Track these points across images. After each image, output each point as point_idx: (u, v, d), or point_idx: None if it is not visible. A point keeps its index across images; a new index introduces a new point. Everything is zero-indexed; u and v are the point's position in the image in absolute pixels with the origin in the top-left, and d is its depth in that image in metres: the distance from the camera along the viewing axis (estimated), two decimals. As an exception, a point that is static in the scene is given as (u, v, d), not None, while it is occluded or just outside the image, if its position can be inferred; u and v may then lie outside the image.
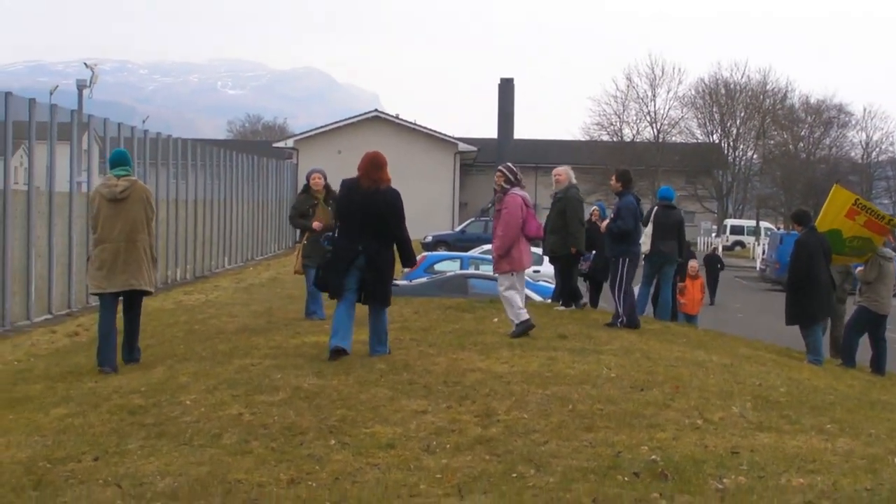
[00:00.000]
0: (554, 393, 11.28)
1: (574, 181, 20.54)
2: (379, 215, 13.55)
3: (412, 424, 9.90)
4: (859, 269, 20.26)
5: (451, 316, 18.28)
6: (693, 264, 26.59)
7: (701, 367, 13.92)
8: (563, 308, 20.36)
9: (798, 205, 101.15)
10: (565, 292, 20.93)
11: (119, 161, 14.36)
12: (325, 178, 18.59)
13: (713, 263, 45.29)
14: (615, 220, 18.44)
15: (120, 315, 14.42)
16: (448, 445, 9.17)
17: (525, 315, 15.73)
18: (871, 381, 17.72)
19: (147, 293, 14.52)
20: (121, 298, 14.31)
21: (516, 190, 16.02)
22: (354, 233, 13.60)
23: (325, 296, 16.50)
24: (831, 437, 10.03)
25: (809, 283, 18.45)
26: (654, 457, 8.78)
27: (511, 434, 9.57)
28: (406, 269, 21.10)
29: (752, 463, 8.70)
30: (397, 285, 20.36)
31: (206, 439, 9.51)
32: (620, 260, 18.30)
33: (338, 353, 13.40)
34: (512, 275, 15.95)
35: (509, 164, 16.73)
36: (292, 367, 12.69)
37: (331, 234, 14.62)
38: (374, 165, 13.78)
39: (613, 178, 19.30)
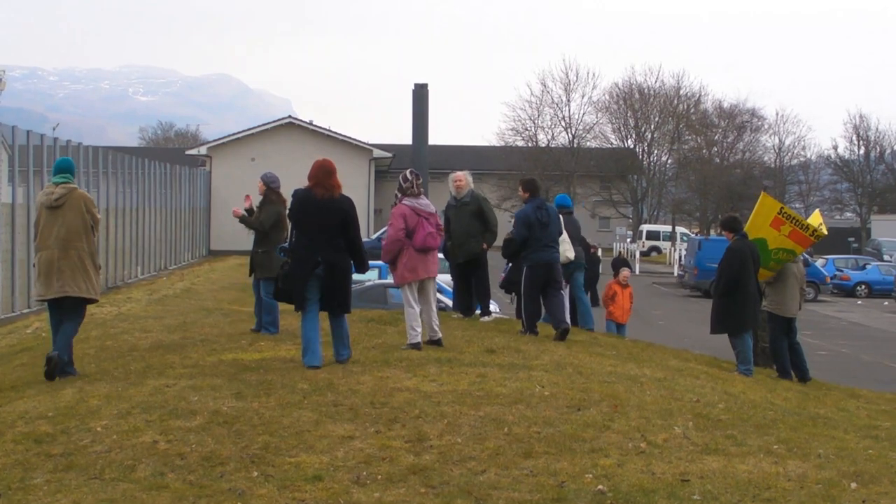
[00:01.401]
0: (487, 414, 10.71)
1: (472, 185, 20.07)
2: (337, 224, 13.73)
3: (339, 452, 9.24)
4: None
5: (373, 329, 17.67)
6: (625, 273, 26.10)
7: (636, 383, 13.45)
8: (487, 319, 19.83)
9: (713, 210, 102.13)
10: (486, 300, 20.43)
11: (60, 169, 14.19)
12: (267, 183, 18.03)
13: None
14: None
15: None
16: (379, 476, 8.53)
17: (415, 339, 15.47)
18: (804, 392, 17.32)
19: (88, 301, 14.20)
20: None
21: (407, 200, 15.80)
22: (313, 242, 13.66)
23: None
24: (780, 459, 9.57)
25: (739, 290, 18.03)
26: (600, 486, 8.25)
27: (446, 462, 8.96)
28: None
29: (704, 492, 8.20)
30: None
31: (118, 472, 8.78)
32: (522, 269, 18.45)
33: (313, 370, 13.37)
34: (408, 287, 15.66)
35: (408, 171, 16.37)
36: (210, 389, 11.97)
37: (285, 244, 14.59)
38: (325, 173, 13.90)
39: (521, 187, 19.17)
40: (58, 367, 13.64)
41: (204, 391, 11.83)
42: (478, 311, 20.44)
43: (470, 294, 20.44)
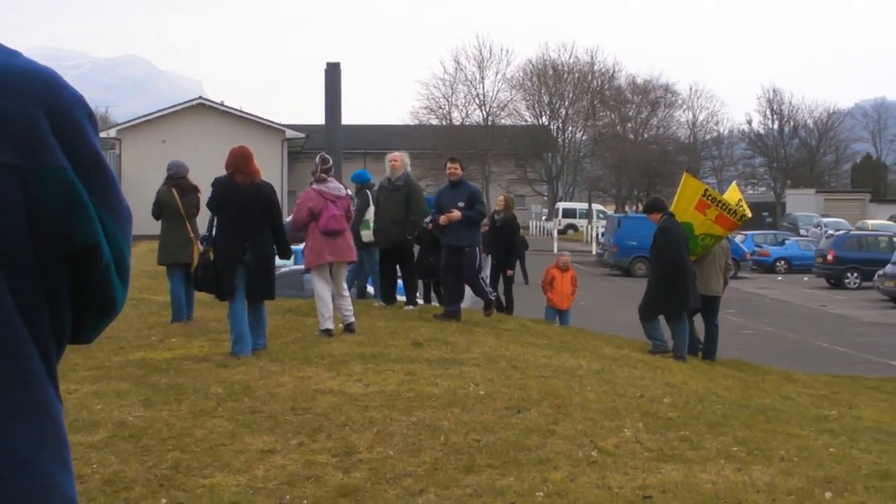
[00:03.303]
0: (420, 420, 9.77)
1: (409, 168, 19.20)
2: (260, 210, 13.61)
3: (259, 470, 8.18)
4: None
5: (290, 321, 16.70)
6: (564, 257, 25.08)
7: (574, 377, 12.65)
8: (410, 308, 18.92)
9: (628, 187, 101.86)
10: (412, 290, 19.53)
11: None
12: (167, 170, 17.87)
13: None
14: (468, 206, 17.49)
15: None
16: (305, 501, 7.50)
17: (326, 324, 15.30)
18: (742, 378, 16.72)
19: None
20: None
21: (315, 184, 15.64)
22: (238, 230, 13.53)
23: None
24: (743, 464, 8.74)
25: (679, 272, 17.26)
26: (554, 509, 7.35)
27: (379, 480, 7.96)
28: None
29: (670, 510, 7.33)
30: None
31: (6, 499, 7.77)
32: (477, 249, 17.85)
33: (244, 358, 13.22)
34: (316, 271, 15.43)
35: (319, 155, 16.21)
36: (115, 395, 10.92)
37: (208, 234, 14.39)
38: (243, 159, 13.78)
39: (457, 164, 18.25)
40: None
41: (109, 398, 10.79)
42: (402, 299, 19.53)
43: (392, 282, 19.56)
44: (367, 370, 12.24)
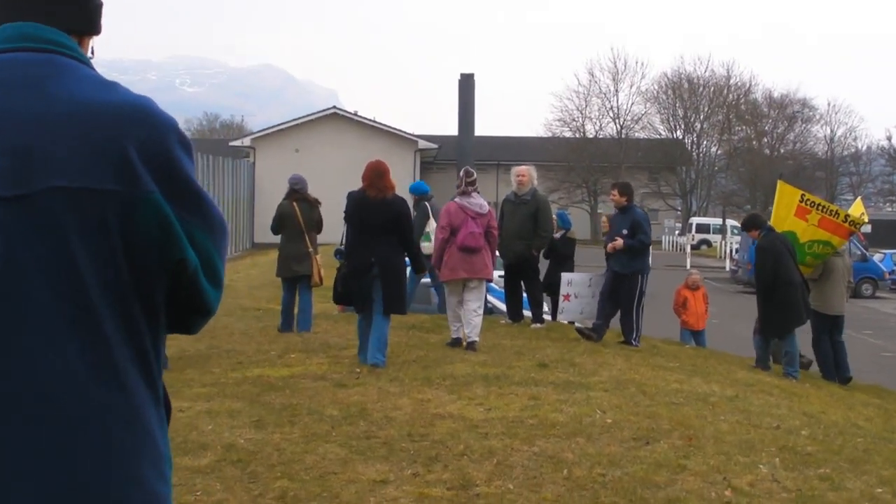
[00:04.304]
0: (542, 450, 9.25)
1: (536, 182, 18.75)
2: (390, 224, 13.69)
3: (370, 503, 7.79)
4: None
5: (414, 339, 16.26)
6: (694, 276, 24.26)
7: (706, 404, 12.02)
8: (538, 326, 18.38)
9: (763, 202, 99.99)
10: (538, 307, 18.96)
11: None
12: (289, 183, 18.17)
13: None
14: (631, 234, 17.23)
15: None
16: (416, 540, 7.07)
17: (455, 334, 15.72)
18: (882, 406, 15.87)
19: None
20: None
21: (458, 198, 15.69)
22: (367, 244, 13.70)
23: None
24: (890, 509, 8.09)
25: (782, 287, 16.68)
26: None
27: (495, 517, 7.49)
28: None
29: (810, 563, 6.74)
30: None
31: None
32: (640, 276, 17.41)
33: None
34: (448, 286, 15.76)
35: (463, 169, 16.16)
36: (227, 415, 10.56)
37: (341, 247, 14.88)
38: (377, 174, 13.90)
39: (616, 191, 17.90)
40: None
41: (220, 417, 10.43)
42: (528, 316, 19.00)
43: (518, 298, 19.05)
44: (490, 393, 11.77)
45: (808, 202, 18.08)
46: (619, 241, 17.15)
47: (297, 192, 17.81)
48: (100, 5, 2.88)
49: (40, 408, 2.40)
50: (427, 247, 18.60)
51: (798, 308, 16.93)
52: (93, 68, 2.72)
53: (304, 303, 17.73)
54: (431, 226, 19.11)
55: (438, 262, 15.62)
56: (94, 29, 2.86)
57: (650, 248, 18.22)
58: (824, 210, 18.00)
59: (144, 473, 2.51)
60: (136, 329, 2.54)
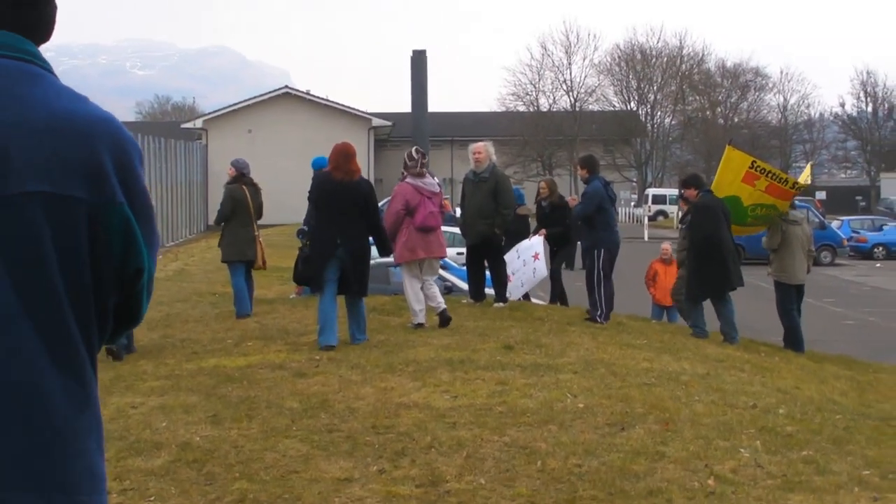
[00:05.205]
0: (514, 440, 8.82)
1: (494, 157, 18.32)
2: (356, 206, 13.93)
3: (334, 504, 7.32)
4: (763, 237, 18.65)
5: (374, 322, 15.74)
6: (665, 246, 23.62)
7: (679, 384, 11.67)
8: (500, 305, 17.94)
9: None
10: (502, 286, 18.50)
11: None
12: (236, 168, 18.27)
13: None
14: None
15: None
16: (385, 544, 6.62)
17: (420, 319, 15.57)
18: (854, 378, 15.54)
19: None
20: None
21: (410, 178, 15.68)
22: (333, 225, 13.88)
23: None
24: (880, 492, 7.69)
25: (717, 249, 16.54)
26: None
27: (469, 517, 7.05)
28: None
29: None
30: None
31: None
32: (595, 251, 17.25)
33: (329, 349, 13.52)
34: (406, 267, 15.67)
35: (413, 149, 16.09)
36: (182, 410, 10.07)
37: (304, 227, 15.15)
38: (345, 157, 14.12)
39: (579, 165, 18.31)
40: None
41: (175, 413, 9.96)
42: (491, 295, 18.57)
43: (481, 278, 18.60)
44: (455, 379, 11.35)
45: (759, 169, 17.92)
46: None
47: (244, 175, 17.95)
48: (55, 14, 2.88)
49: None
50: None
51: (730, 271, 16.81)
52: (58, 78, 2.74)
53: (250, 287, 17.85)
54: None
55: (392, 243, 15.53)
56: (50, 37, 2.87)
57: (612, 222, 17.84)
58: (774, 177, 17.84)
59: (94, 459, 2.59)
60: (90, 331, 2.60)
